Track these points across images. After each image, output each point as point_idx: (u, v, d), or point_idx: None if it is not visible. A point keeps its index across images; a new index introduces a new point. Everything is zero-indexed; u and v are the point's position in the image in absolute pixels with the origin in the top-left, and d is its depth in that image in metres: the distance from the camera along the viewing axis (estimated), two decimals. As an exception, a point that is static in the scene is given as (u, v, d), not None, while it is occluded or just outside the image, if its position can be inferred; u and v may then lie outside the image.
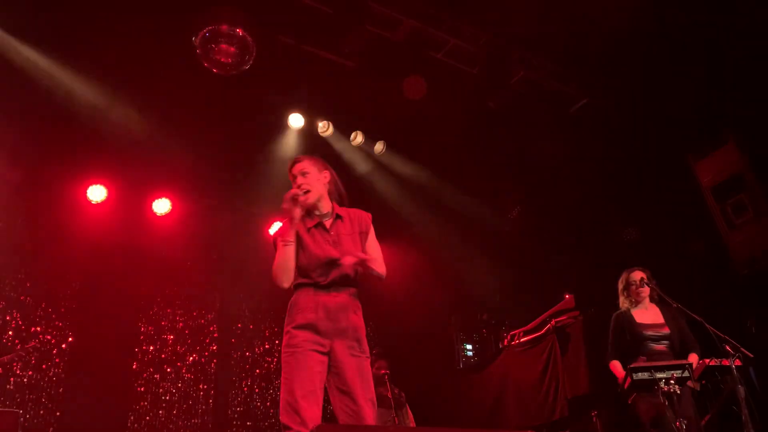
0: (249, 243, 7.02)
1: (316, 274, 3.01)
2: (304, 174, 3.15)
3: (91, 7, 5.18)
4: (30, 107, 5.65)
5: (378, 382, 6.09)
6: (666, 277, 4.90)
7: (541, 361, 6.37)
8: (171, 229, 6.72)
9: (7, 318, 5.90)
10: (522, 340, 6.65)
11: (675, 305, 4.32)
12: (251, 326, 7.20)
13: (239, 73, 5.56)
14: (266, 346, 7.25)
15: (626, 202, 6.89)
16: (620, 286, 4.84)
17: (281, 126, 6.69)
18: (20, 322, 5.95)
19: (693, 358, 4.45)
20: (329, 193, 3.22)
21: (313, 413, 2.77)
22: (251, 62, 5.56)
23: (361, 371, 2.95)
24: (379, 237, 3.24)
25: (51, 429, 5.74)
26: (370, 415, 2.87)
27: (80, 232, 6.22)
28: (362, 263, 3.03)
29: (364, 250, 3.11)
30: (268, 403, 7.02)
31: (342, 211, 3.23)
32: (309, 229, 3.11)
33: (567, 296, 6.33)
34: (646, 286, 4.69)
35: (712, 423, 4.66)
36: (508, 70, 6.36)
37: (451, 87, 6.40)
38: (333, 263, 3.01)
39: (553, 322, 6.30)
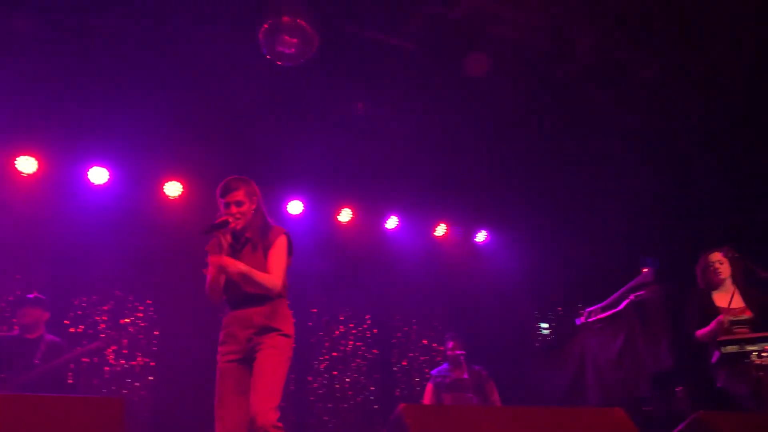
0: (322, 228, 7.17)
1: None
2: (239, 204, 3.38)
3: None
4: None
5: (454, 363, 6.14)
6: (751, 252, 4.67)
7: (621, 337, 6.23)
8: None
9: (103, 309, 6.26)
10: (600, 316, 6.52)
11: (765, 275, 4.14)
12: (327, 311, 7.35)
13: (303, 64, 5.63)
14: (341, 330, 7.39)
15: (703, 172, 6.63)
16: (699, 270, 4.64)
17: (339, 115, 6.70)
18: (111, 315, 6.28)
19: None
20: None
21: None
22: (313, 52, 5.61)
23: None
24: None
25: (145, 414, 6.06)
26: None
27: (159, 223, 6.47)
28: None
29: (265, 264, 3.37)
30: (347, 385, 7.17)
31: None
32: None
33: (645, 270, 6.16)
34: (726, 262, 4.49)
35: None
36: (574, 41, 6.18)
37: (515, 61, 6.27)
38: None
39: (631, 296, 6.14)
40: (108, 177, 6.20)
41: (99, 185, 6.20)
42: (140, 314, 6.40)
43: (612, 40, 6.36)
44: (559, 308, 8.04)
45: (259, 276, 3.28)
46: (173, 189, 6.52)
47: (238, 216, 3.36)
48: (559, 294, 8.05)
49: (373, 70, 6.29)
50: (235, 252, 3.39)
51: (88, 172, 6.17)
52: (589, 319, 6.65)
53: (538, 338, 8.02)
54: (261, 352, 3.21)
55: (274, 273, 3.33)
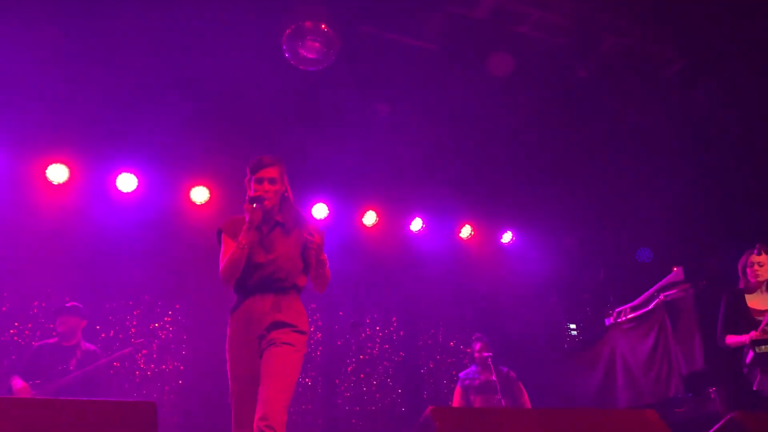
0: (347, 231, 7.20)
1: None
2: (273, 182, 3.22)
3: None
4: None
5: (482, 365, 6.11)
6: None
7: (651, 337, 6.13)
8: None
9: (133, 314, 6.35)
10: (629, 316, 6.43)
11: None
12: (354, 314, 7.36)
13: (325, 68, 5.65)
14: (368, 332, 7.40)
15: (733, 168, 6.51)
16: (739, 268, 4.55)
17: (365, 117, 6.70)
18: (140, 320, 6.37)
19: None
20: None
21: None
22: (335, 55, 5.64)
23: None
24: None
25: (175, 418, 6.13)
26: None
27: (187, 228, 6.55)
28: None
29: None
30: (374, 388, 7.18)
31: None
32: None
33: (675, 269, 6.06)
34: (766, 265, 4.38)
35: None
36: (598, 37, 6.12)
37: (539, 60, 6.23)
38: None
39: (661, 296, 6.05)
40: (136, 184, 6.30)
41: (128, 193, 6.30)
42: (169, 319, 6.48)
43: (637, 36, 6.29)
44: (588, 308, 7.95)
45: (327, 271, 3.19)
46: (200, 195, 6.60)
47: (270, 194, 3.18)
48: (587, 294, 7.96)
49: (396, 72, 6.29)
50: (262, 235, 3.20)
51: (117, 179, 6.27)
52: (619, 319, 6.57)
53: (566, 339, 7.94)
54: (275, 347, 2.99)
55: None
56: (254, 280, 3.13)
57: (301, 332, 3.10)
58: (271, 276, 3.12)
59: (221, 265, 3.15)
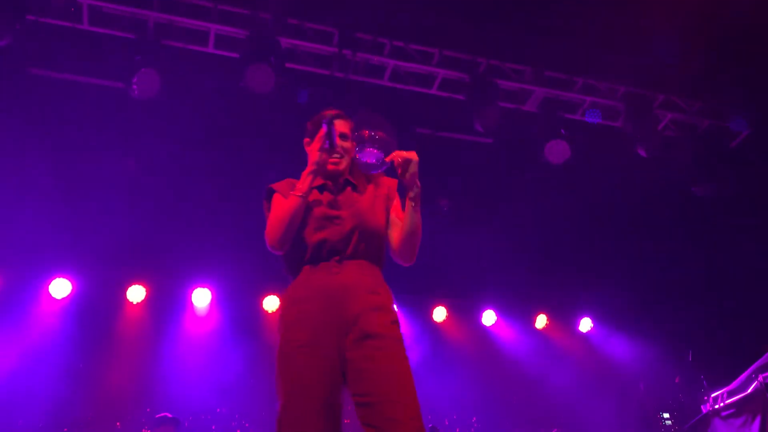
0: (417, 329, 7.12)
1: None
2: (344, 137, 2.51)
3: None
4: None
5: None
6: None
7: (756, 423, 5.65)
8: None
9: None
10: (727, 401, 5.97)
11: None
12: (431, 417, 7.13)
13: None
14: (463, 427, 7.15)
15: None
16: None
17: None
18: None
19: None
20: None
21: None
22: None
23: None
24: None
25: None
26: None
27: (260, 334, 6.65)
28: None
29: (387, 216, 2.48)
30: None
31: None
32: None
33: (772, 346, 5.67)
34: None
35: None
36: (654, 116, 6.09)
37: (596, 144, 6.24)
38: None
39: (760, 378, 5.62)
40: (210, 298, 6.51)
41: (202, 308, 6.52)
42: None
43: (695, 110, 6.24)
44: (680, 395, 7.45)
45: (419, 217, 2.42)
46: (272, 303, 6.75)
47: (341, 151, 2.47)
48: (677, 378, 7.49)
49: (454, 166, 6.41)
50: (330, 192, 2.46)
51: (193, 295, 6.50)
52: (716, 405, 6.11)
53: (661, 430, 7.41)
54: (381, 350, 2.12)
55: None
56: (324, 242, 2.32)
57: (397, 321, 2.28)
58: (349, 236, 2.34)
59: (270, 224, 2.37)
